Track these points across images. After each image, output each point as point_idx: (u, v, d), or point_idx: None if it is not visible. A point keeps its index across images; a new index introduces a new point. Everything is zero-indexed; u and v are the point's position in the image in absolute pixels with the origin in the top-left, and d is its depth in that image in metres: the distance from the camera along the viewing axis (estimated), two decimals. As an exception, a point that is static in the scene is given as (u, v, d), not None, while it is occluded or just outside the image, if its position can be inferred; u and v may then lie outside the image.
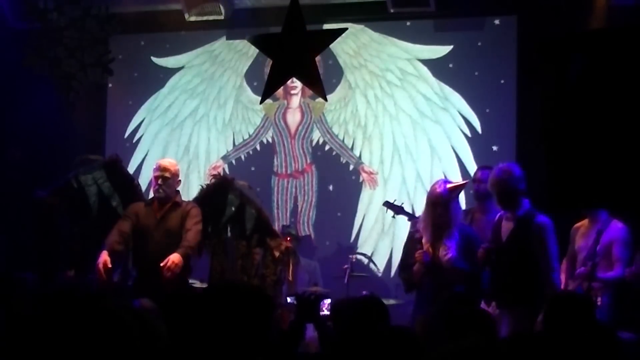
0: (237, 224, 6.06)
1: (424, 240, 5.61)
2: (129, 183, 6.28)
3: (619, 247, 5.76)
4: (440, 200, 5.54)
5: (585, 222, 5.96)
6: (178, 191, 5.95)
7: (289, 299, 6.42)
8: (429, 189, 5.82)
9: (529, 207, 5.46)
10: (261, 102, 6.44)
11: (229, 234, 6.11)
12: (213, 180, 6.20)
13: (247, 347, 2.44)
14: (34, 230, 6.32)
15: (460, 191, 5.85)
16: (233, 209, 6.03)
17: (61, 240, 6.16)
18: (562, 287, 5.94)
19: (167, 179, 5.79)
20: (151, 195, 6.16)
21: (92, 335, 1.95)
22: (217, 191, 6.07)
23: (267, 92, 5.22)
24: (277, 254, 5.97)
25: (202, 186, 6.24)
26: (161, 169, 5.83)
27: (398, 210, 6.67)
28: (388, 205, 6.74)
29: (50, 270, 6.18)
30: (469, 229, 5.81)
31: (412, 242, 5.76)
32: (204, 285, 6.10)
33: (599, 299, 5.61)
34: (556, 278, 5.38)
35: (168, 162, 6.05)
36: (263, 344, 2.52)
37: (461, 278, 5.44)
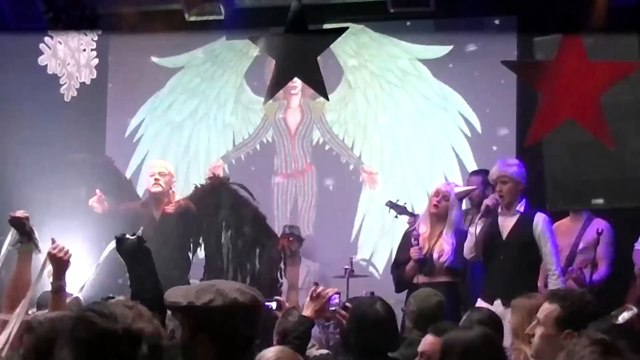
0: (232, 224, 6.07)
1: (420, 235, 5.64)
2: (122, 184, 6.30)
3: (603, 246, 5.77)
4: (444, 193, 5.61)
5: (565, 220, 5.99)
6: (173, 191, 5.98)
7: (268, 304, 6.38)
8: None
9: (527, 204, 5.43)
10: (265, 103, 6.46)
11: (225, 233, 6.12)
12: (207, 181, 6.22)
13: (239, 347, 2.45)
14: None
15: (465, 196, 5.89)
16: (228, 209, 6.05)
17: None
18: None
19: (164, 174, 5.87)
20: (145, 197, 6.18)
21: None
22: (211, 191, 6.09)
23: (270, 92, 5.24)
24: (273, 253, 5.98)
25: (196, 185, 6.24)
26: (157, 166, 5.96)
27: (401, 210, 6.67)
28: (391, 205, 6.74)
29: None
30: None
31: (406, 240, 5.80)
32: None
33: None
34: (560, 274, 5.33)
35: (163, 161, 6.21)
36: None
37: (451, 277, 5.45)
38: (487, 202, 5.45)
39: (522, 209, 5.41)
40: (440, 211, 5.65)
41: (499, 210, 5.45)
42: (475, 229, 5.38)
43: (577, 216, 5.90)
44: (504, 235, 5.42)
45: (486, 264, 5.46)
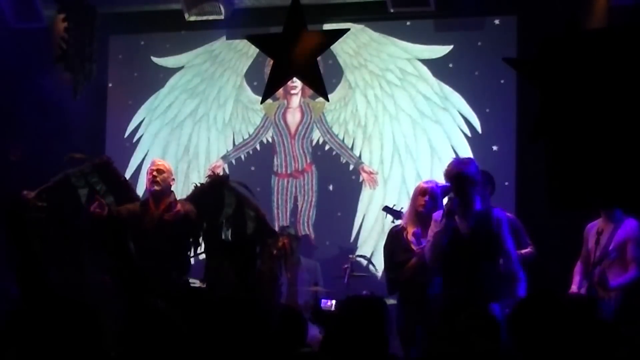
0: (234, 224, 6.06)
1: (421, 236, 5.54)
2: (122, 184, 6.29)
3: (633, 246, 5.71)
4: (431, 193, 5.54)
5: (598, 221, 5.92)
6: (172, 191, 5.97)
7: None
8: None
9: (481, 202, 5.29)
10: (262, 102, 6.47)
11: (225, 232, 6.10)
12: (207, 180, 6.21)
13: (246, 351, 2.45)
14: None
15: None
16: (230, 209, 6.03)
17: (49, 243, 6.11)
18: (576, 288, 5.90)
19: (162, 172, 5.86)
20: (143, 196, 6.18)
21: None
22: (211, 190, 6.08)
23: (267, 92, 5.22)
24: (274, 251, 5.97)
25: (196, 185, 6.24)
26: (156, 164, 5.96)
27: (398, 214, 6.64)
28: (387, 210, 6.72)
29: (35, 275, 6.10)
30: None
31: (398, 239, 5.68)
32: (203, 285, 6.09)
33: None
34: (518, 270, 5.19)
35: (162, 160, 6.26)
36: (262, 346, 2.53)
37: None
38: (447, 205, 5.26)
39: (478, 207, 5.25)
40: (428, 211, 5.56)
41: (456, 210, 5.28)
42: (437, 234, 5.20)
43: (609, 216, 5.84)
44: (464, 235, 5.22)
45: (447, 266, 5.24)
